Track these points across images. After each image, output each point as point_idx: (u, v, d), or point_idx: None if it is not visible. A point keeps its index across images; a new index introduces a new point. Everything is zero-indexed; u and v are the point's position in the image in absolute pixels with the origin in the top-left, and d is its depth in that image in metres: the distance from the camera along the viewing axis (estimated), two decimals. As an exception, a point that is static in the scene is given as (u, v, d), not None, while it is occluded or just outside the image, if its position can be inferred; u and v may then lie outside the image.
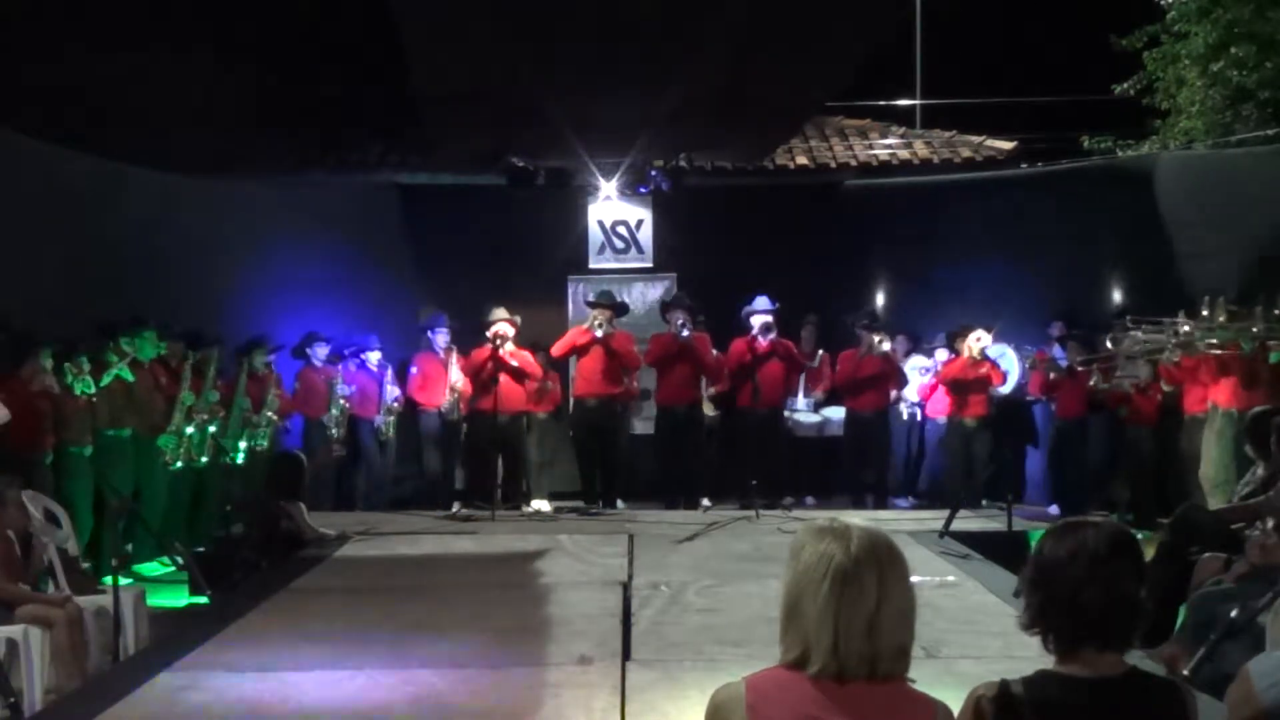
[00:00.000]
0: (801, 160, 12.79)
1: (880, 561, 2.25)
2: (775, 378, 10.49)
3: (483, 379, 10.19)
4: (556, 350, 10.42)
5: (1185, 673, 4.72)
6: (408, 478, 11.17)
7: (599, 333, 10.13)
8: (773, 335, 10.36)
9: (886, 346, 10.70)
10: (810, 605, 2.21)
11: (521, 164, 11.52)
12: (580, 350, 10.29)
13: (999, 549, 7.69)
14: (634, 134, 10.44)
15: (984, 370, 10.60)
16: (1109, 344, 10.07)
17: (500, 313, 10.21)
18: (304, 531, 8.33)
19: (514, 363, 10.11)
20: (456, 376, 10.68)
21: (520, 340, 10.57)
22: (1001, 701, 2.36)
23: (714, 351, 10.72)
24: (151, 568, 8.65)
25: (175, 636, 5.82)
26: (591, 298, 10.63)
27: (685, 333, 10.23)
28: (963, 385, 10.66)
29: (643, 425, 11.23)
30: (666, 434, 10.60)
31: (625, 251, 12.52)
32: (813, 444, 11.58)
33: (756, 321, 10.41)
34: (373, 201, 12.45)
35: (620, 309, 10.65)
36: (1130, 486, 10.26)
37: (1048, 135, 16.88)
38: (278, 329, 10.90)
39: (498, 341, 10.01)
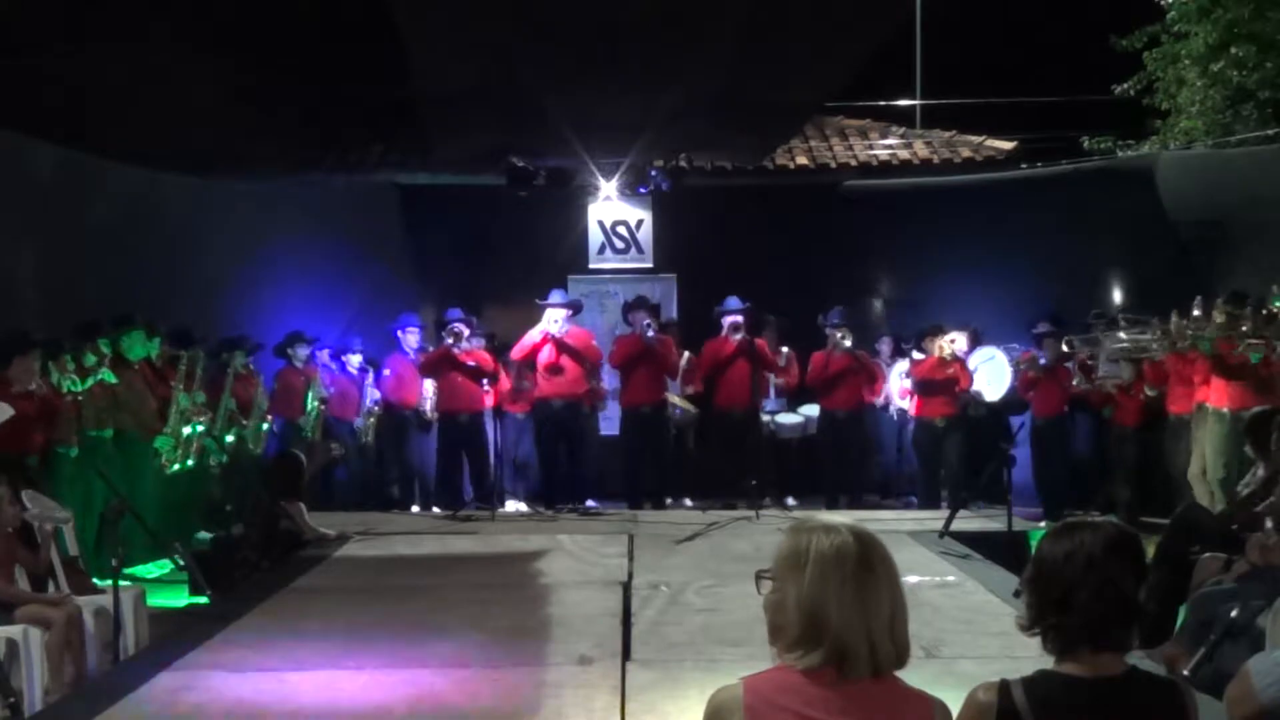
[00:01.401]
0: (801, 160, 12.79)
1: (884, 555, 2.26)
2: (747, 377, 10.51)
3: (441, 378, 10.25)
4: (516, 354, 10.46)
5: (1185, 673, 4.72)
6: (390, 480, 11.16)
7: (554, 330, 10.17)
8: (740, 335, 10.38)
9: (848, 344, 10.68)
10: (834, 609, 2.19)
11: (521, 164, 11.52)
12: (538, 351, 10.31)
13: (999, 549, 7.69)
14: (634, 134, 10.44)
15: (952, 371, 10.60)
16: (1094, 342, 10.06)
17: (455, 313, 10.28)
18: (304, 531, 8.34)
19: (471, 362, 10.14)
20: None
21: (491, 342, 10.63)
22: (1001, 701, 2.36)
23: (686, 353, 10.78)
24: (146, 569, 8.63)
25: (175, 636, 5.82)
26: (541, 300, 10.62)
27: (651, 333, 10.26)
28: (931, 385, 10.66)
29: (608, 426, 11.24)
30: (631, 434, 10.62)
31: (625, 251, 12.51)
32: (795, 445, 11.58)
33: (728, 321, 10.45)
34: (372, 201, 12.44)
35: (574, 307, 10.67)
36: (1119, 486, 10.25)
37: (1048, 135, 16.88)
38: (276, 329, 10.88)
39: (454, 338, 10.05)
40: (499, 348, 10.60)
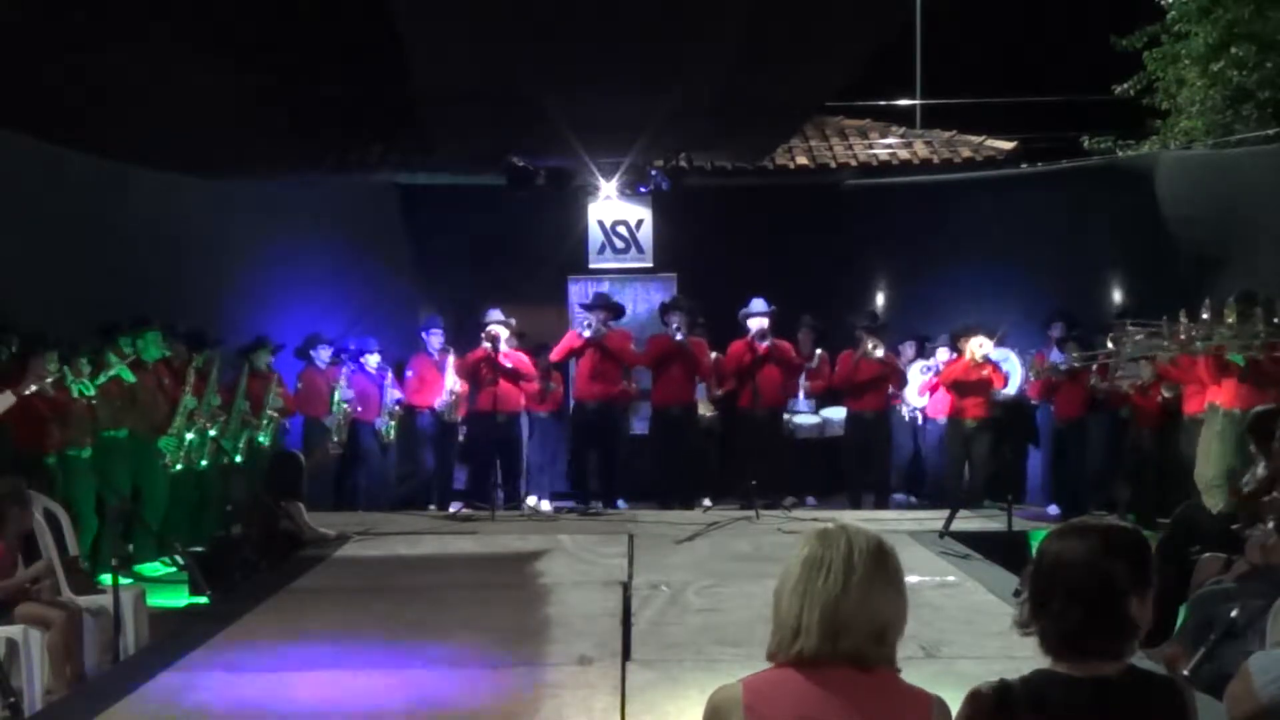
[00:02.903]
0: (801, 160, 12.79)
1: (888, 560, 2.28)
2: (773, 380, 10.51)
3: (478, 380, 10.25)
4: (555, 355, 10.49)
5: (1185, 672, 4.73)
6: (407, 479, 11.17)
7: (587, 334, 10.18)
8: (767, 342, 10.36)
9: (879, 354, 10.67)
10: (784, 597, 2.27)
11: (521, 164, 11.52)
12: (577, 353, 10.33)
13: (999, 549, 7.70)
14: (634, 134, 10.44)
15: (985, 372, 10.59)
16: (1110, 344, 10.06)
17: (495, 314, 10.27)
18: (303, 531, 8.34)
19: (508, 363, 10.14)
20: (454, 379, 10.69)
21: (523, 341, 10.63)
22: (1000, 701, 2.36)
23: (713, 354, 10.78)
24: (152, 568, 8.65)
25: (175, 636, 5.83)
26: (587, 300, 10.67)
27: (680, 335, 10.26)
28: (964, 386, 10.65)
29: (641, 426, 11.26)
30: (661, 435, 10.62)
31: (625, 251, 12.52)
32: (814, 445, 11.58)
33: (753, 324, 10.43)
34: (373, 201, 12.44)
35: (616, 310, 10.68)
36: (1131, 486, 10.26)
37: (1048, 135, 16.88)
38: (277, 329, 10.89)
39: (491, 343, 10.06)
40: (535, 349, 10.62)
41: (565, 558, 7.58)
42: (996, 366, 10.67)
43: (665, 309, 10.76)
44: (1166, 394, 9.68)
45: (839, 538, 2.29)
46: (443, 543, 8.37)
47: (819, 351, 11.29)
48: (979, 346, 10.56)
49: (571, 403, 10.91)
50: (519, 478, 10.47)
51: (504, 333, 10.21)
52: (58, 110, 9.54)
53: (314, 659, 5.10)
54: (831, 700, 2.19)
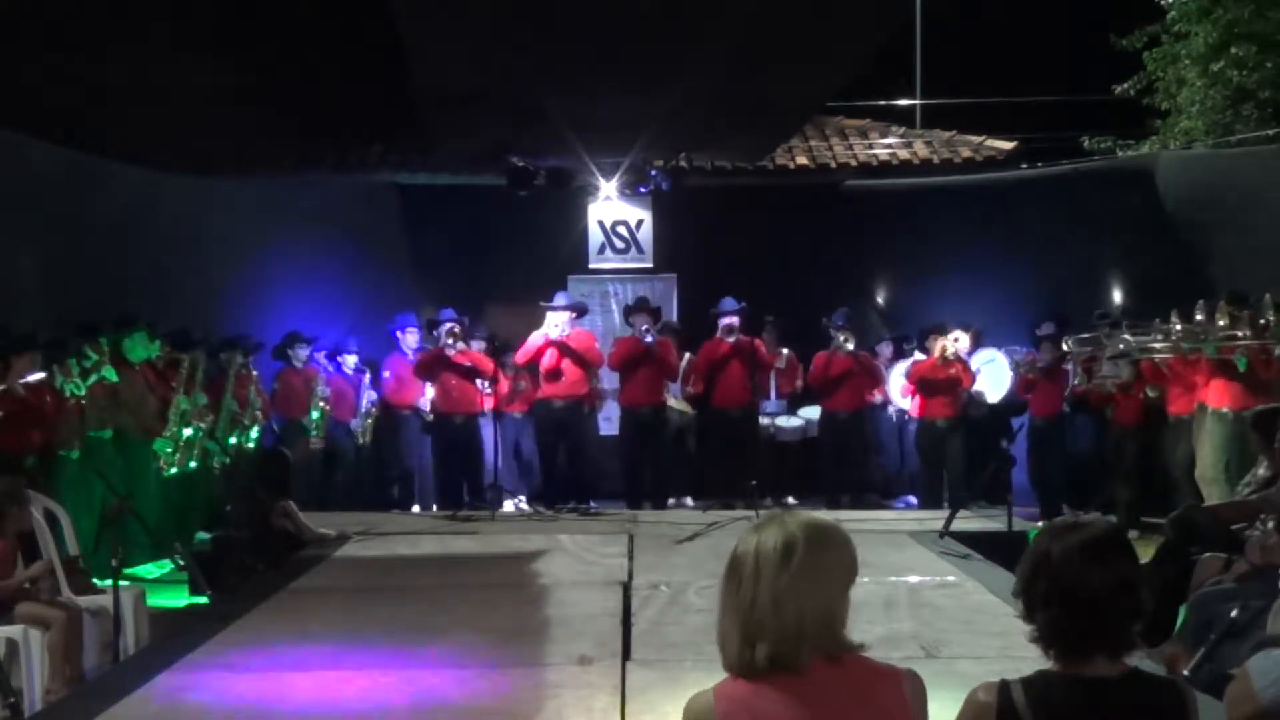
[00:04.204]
0: (801, 160, 12.78)
1: (759, 557, 2.24)
2: (742, 377, 10.51)
3: (435, 380, 10.30)
4: (520, 358, 10.50)
5: (1185, 673, 4.73)
6: (390, 480, 11.15)
7: (554, 334, 10.19)
8: (734, 337, 10.39)
9: (850, 346, 10.68)
10: (761, 610, 2.22)
11: (521, 164, 11.52)
12: (541, 354, 10.34)
13: (999, 549, 7.68)
14: (634, 134, 10.44)
15: (953, 371, 10.57)
16: (1095, 343, 10.05)
17: (447, 314, 10.30)
18: (303, 531, 8.32)
19: (465, 363, 10.15)
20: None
21: (493, 342, 10.65)
22: (1001, 701, 2.36)
23: (688, 355, 10.80)
24: (146, 569, 8.63)
25: (175, 636, 5.83)
26: (549, 301, 10.64)
27: (649, 337, 10.29)
28: (931, 385, 10.64)
29: (609, 426, 11.27)
30: (631, 435, 10.66)
31: (625, 251, 12.52)
32: (795, 446, 11.58)
33: (722, 324, 10.50)
34: (373, 201, 12.44)
35: (578, 310, 10.68)
36: (1128, 487, 10.24)
37: (1048, 135, 16.90)
38: (276, 329, 10.89)
39: (451, 340, 10.06)
40: (499, 348, 10.62)
41: (565, 558, 7.58)
42: (965, 365, 10.64)
43: (629, 311, 10.78)
44: (1151, 394, 9.68)
45: (749, 543, 2.26)
46: (443, 543, 8.36)
47: (784, 351, 11.28)
48: (954, 342, 10.55)
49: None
50: (486, 479, 10.42)
51: (458, 330, 10.25)
52: (56, 109, 9.54)
53: (314, 659, 5.10)
54: (802, 695, 2.18)
